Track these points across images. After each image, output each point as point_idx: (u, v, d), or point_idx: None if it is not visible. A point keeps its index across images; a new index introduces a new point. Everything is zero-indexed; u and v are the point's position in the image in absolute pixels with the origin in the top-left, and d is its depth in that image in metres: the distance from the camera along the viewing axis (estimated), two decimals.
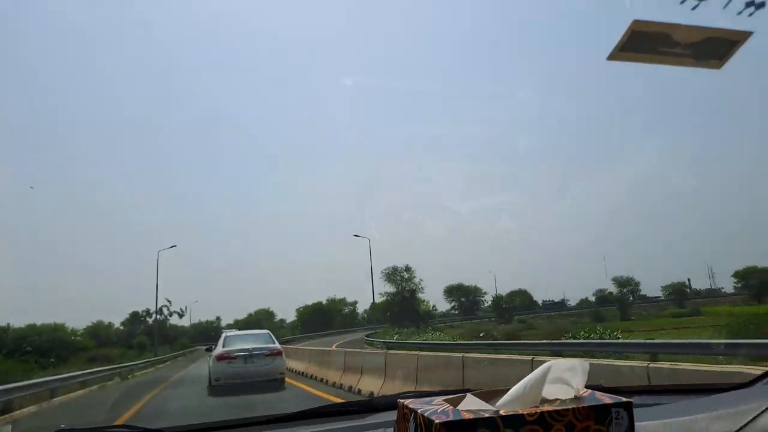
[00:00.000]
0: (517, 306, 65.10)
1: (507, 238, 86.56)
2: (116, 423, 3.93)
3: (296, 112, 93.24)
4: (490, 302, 67.87)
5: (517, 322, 51.01)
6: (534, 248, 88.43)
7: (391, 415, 1.18)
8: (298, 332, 55.82)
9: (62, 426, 1.55)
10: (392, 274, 54.11)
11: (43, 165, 70.76)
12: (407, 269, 54.78)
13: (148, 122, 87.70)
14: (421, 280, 53.91)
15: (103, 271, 78.13)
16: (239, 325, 59.26)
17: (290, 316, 70.94)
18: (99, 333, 51.37)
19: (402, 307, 47.79)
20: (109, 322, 57.17)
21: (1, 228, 59.96)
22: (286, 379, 12.36)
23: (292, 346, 21.65)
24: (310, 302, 66.34)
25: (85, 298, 74.76)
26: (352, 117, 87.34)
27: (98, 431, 1.46)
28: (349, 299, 72.00)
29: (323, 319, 63.15)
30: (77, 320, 59.89)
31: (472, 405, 0.93)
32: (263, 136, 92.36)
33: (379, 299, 51.65)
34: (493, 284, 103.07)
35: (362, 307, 73.51)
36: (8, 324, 32.12)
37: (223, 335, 13.30)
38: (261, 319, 65.86)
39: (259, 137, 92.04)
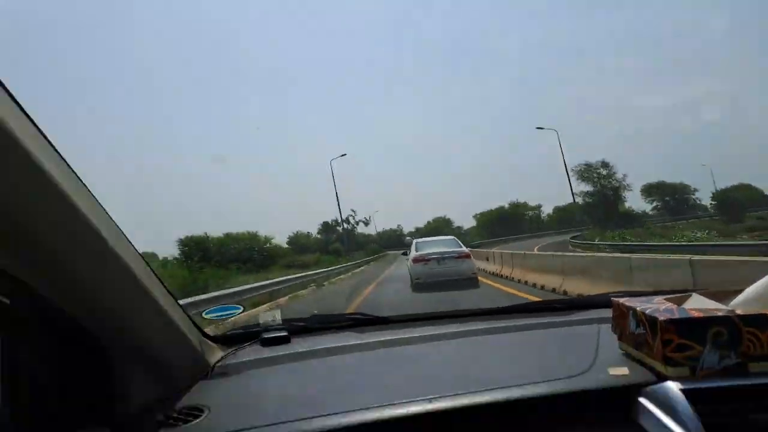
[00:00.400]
0: (742, 202, 53.72)
1: (712, 130, 71.54)
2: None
3: None
4: (703, 200, 57.45)
5: (756, 219, 41.73)
6: (742, 140, 71.98)
7: (604, 312, 1.13)
8: (485, 237, 53.84)
9: (315, 312, 1.20)
10: (585, 172, 47.91)
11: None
12: (604, 165, 47.84)
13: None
14: (625, 175, 46.77)
15: (291, 185, 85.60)
16: (421, 233, 59.80)
17: (467, 223, 69.71)
18: (299, 242, 56.26)
19: (605, 207, 41.78)
20: (308, 232, 62.30)
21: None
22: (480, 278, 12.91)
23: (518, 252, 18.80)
24: (489, 207, 64.01)
25: (282, 210, 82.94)
26: None
27: (340, 317, 1.69)
28: (531, 203, 67.92)
29: (506, 224, 60.27)
30: (272, 232, 66.37)
31: (699, 304, 0.85)
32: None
33: (568, 200, 46.44)
34: (703, 180, 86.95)
35: (546, 210, 69.02)
36: (206, 233, 34.20)
37: (414, 242, 14.30)
38: (439, 226, 66.18)
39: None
